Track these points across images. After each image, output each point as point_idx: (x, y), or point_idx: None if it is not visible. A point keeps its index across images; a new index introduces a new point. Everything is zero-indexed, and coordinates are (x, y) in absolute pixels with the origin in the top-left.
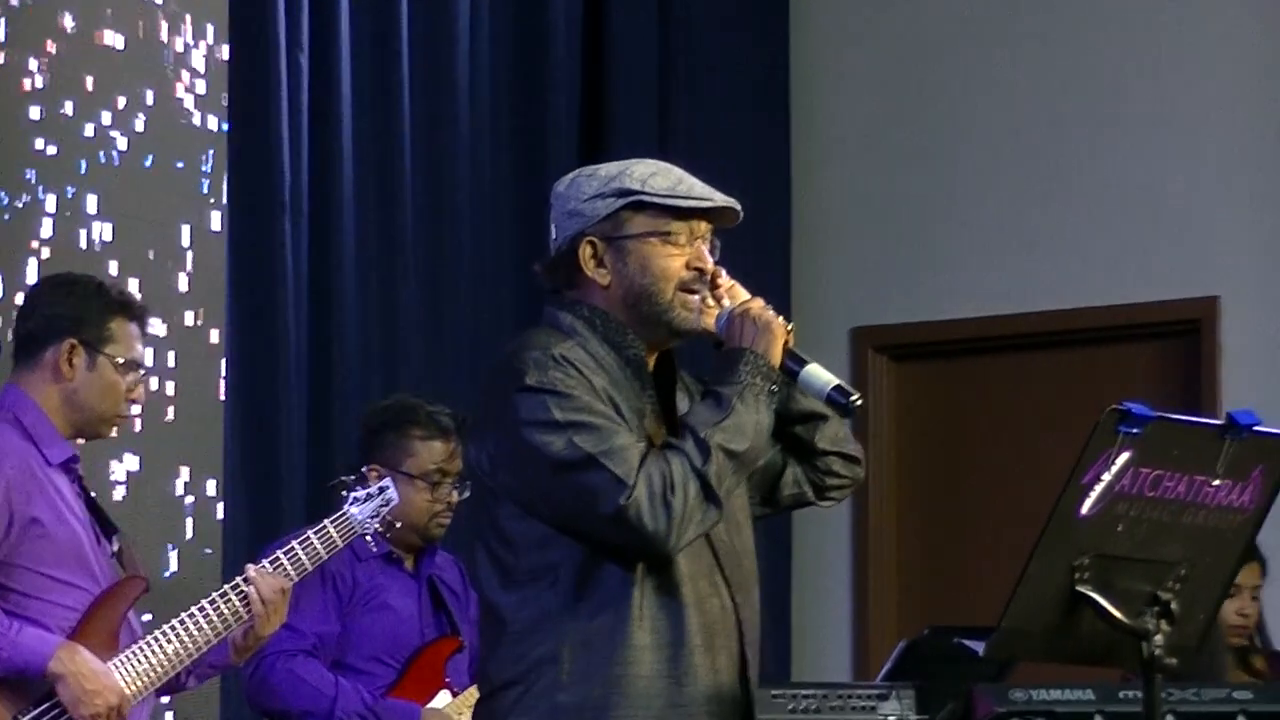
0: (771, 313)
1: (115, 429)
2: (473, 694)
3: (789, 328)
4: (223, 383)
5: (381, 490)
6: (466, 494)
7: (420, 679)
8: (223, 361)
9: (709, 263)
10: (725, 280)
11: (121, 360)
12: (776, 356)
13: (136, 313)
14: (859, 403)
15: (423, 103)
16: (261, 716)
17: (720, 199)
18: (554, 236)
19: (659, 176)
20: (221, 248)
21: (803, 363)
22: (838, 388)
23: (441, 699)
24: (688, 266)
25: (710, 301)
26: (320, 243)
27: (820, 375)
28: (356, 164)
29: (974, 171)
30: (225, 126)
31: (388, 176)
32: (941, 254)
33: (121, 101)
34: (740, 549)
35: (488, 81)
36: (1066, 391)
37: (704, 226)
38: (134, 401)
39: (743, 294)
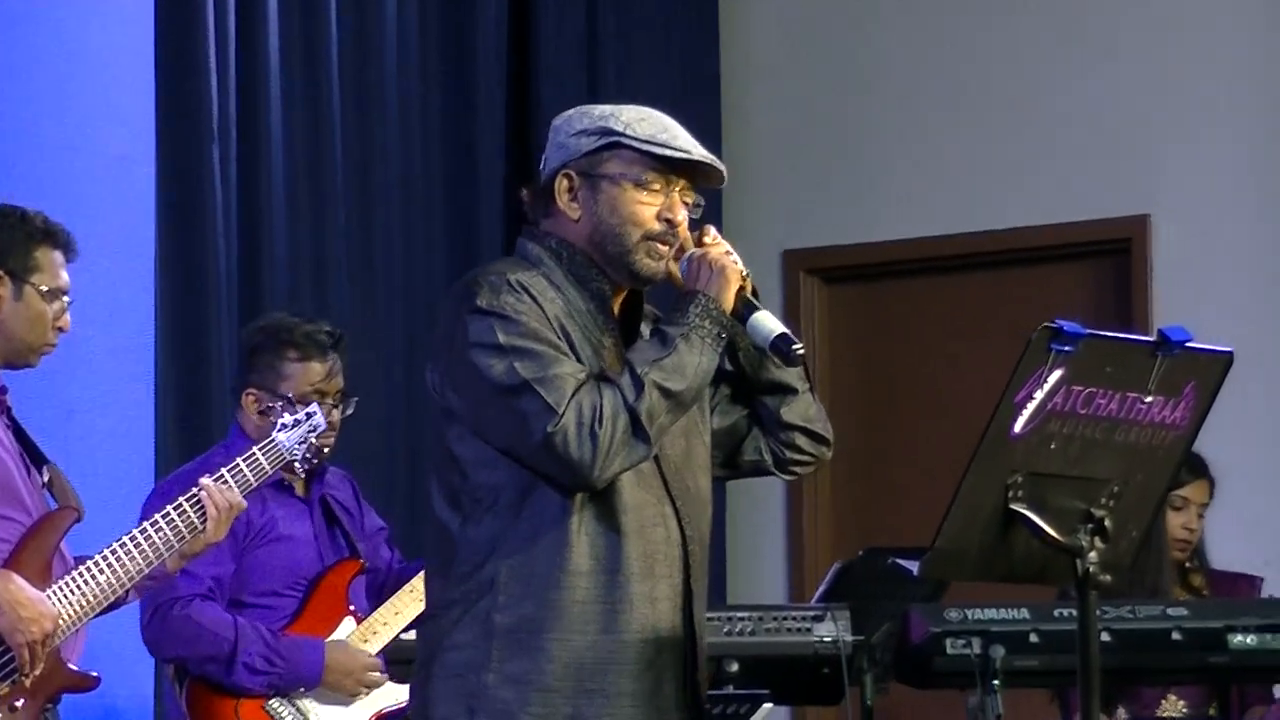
0: (730, 259)
1: (42, 357)
2: (376, 620)
3: (746, 274)
4: (152, 312)
5: (309, 416)
6: (350, 410)
7: (323, 608)
8: (153, 293)
9: (680, 215)
10: (713, 237)
11: (47, 289)
12: (729, 302)
13: (61, 241)
14: (801, 351)
15: (350, 28)
16: (164, 664)
17: (700, 154)
18: (542, 167)
19: (645, 123)
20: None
21: (754, 309)
22: (781, 335)
23: (346, 626)
24: (658, 216)
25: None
26: (249, 170)
27: (766, 323)
28: (284, 92)
29: (904, 94)
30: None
31: (315, 103)
32: (872, 177)
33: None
34: (696, 492)
35: (415, 7)
36: (998, 312)
37: (682, 181)
38: (61, 330)
39: (724, 247)
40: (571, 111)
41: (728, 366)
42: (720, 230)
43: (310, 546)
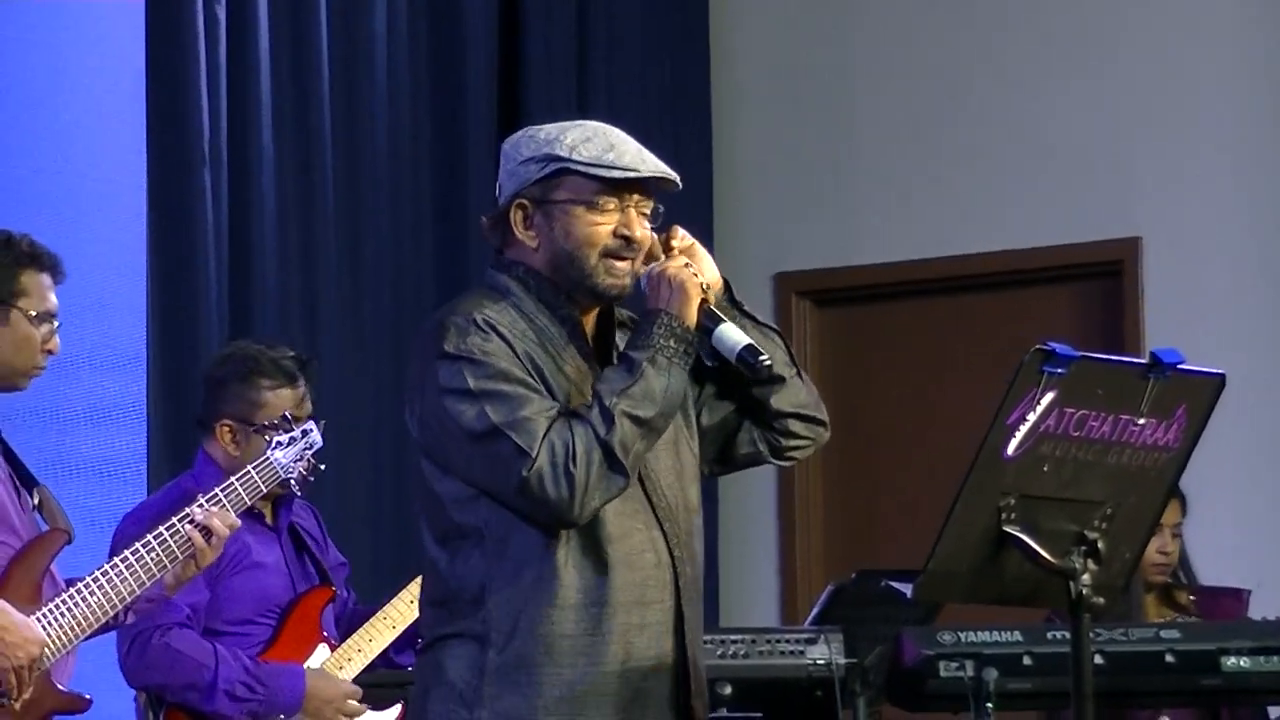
0: (688, 272)
1: (32, 380)
2: (351, 647)
3: (706, 287)
4: (143, 334)
5: (305, 434)
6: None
7: (297, 635)
8: (143, 316)
9: (637, 230)
10: (681, 239)
11: (34, 313)
12: (691, 317)
13: (48, 264)
14: (768, 363)
15: (340, 53)
16: (141, 693)
17: (649, 169)
18: (498, 194)
19: (590, 143)
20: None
21: (718, 322)
22: (747, 348)
23: (320, 654)
24: (614, 234)
25: (640, 261)
26: (239, 194)
27: (731, 335)
28: (275, 115)
29: (895, 117)
30: (143, 79)
31: (306, 128)
32: (863, 200)
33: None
34: (684, 503)
35: (405, 30)
36: (991, 335)
37: (636, 196)
38: (49, 353)
39: (699, 252)
40: (518, 135)
41: (710, 363)
42: (712, 254)
43: (282, 574)
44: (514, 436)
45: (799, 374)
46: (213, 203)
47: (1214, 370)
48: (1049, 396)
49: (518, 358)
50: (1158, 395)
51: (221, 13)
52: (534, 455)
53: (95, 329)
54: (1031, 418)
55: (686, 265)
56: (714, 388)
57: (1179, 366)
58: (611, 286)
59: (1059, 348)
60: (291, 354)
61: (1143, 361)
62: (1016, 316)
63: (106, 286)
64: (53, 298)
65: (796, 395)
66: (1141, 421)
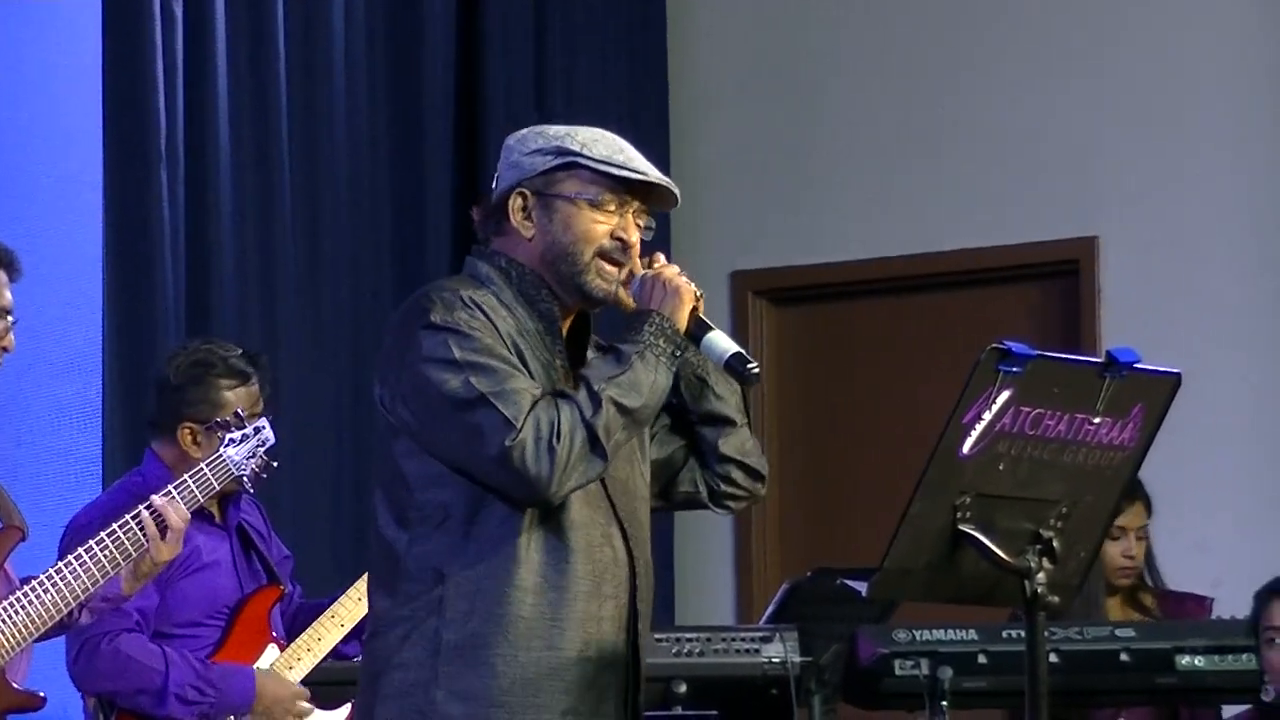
0: (683, 279)
1: None
2: (300, 646)
3: (699, 295)
4: (100, 332)
5: (257, 431)
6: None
7: (245, 636)
8: (100, 314)
9: (633, 236)
10: (662, 263)
11: None
12: (682, 321)
13: (4, 261)
14: (756, 371)
15: (298, 51)
16: (91, 699)
17: (655, 176)
18: (495, 185)
19: (600, 144)
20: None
21: (708, 329)
22: (736, 354)
23: (270, 654)
24: (611, 235)
25: (625, 273)
26: (196, 192)
27: (720, 342)
28: (232, 112)
29: (852, 115)
30: (100, 76)
31: (264, 125)
32: (821, 197)
33: None
34: (638, 508)
35: (363, 29)
36: (946, 334)
37: (636, 203)
38: (5, 349)
39: (675, 269)
40: (525, 131)
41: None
42: (669, 251)
43: (230, 574)
44: (500, 407)
45: (749, 423)
46: (169, 200)
47: (1170, 369)
48: (1005, 395)
49: (501, 338)
50: (1114, 394)
51: (179, 9)
52: (519, 427)
53: (52, 327)
54: (987, 416)
55: (680, 273)
56: (668, 421)
57: (1135, 365)
58: (599, 288)
59: (1015, 346)
60: (240, 351)
61: (1099, 360)
62: (974, 315)
63: (63, 284)
64: (8, 294)
65: (743, 443)
66: (1097, 420)
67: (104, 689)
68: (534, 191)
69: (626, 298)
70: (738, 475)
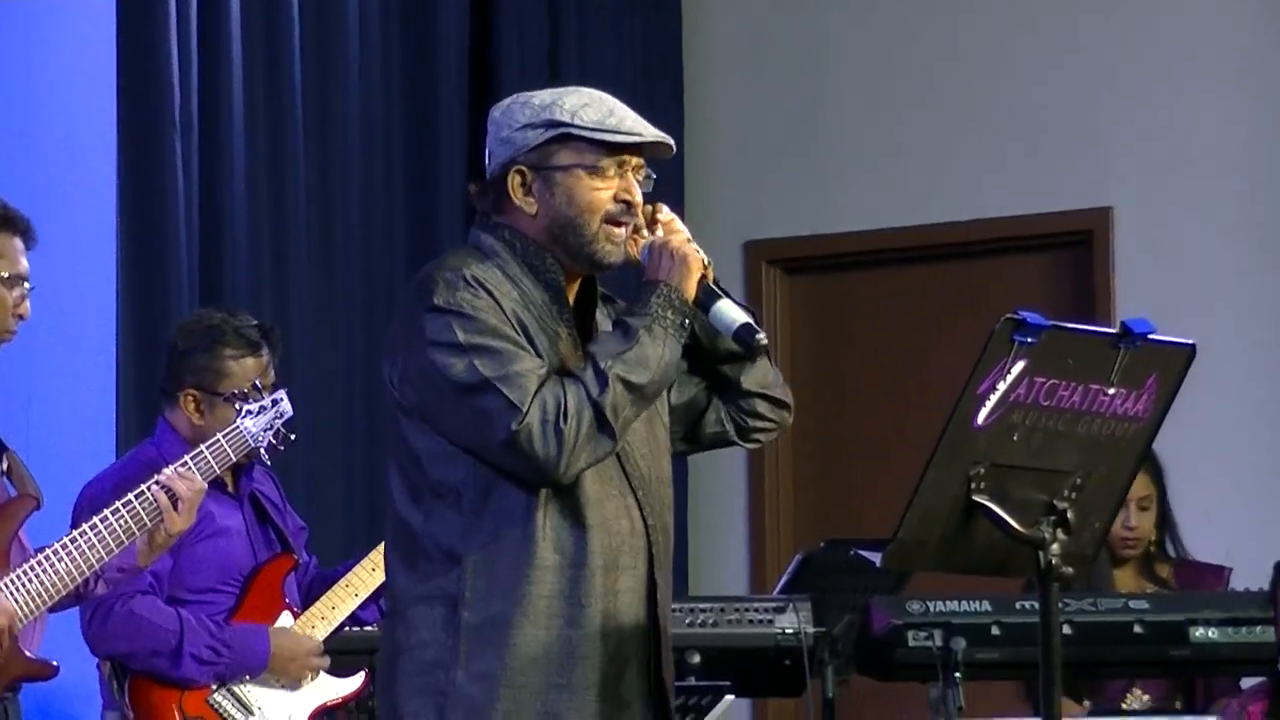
0: (692, 247)
1: (2, 345)
2: (314, 614)
3: (708, 263)
4: (114, 304)
5: (275, 403)
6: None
7: (260, 602)
8: (114, 283)
9: (637, 195)
10: (666, 214)
11: (6, 275)
12: (691, 290)
13: (20, 227)
14: (764, 341)
15: (311, 19)
16: (105, 661)
17: (650, 133)
18: (487, 161)
19: (590, 109)
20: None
21: (716, 298)
22: (744, 325)
23: (284, 621)
24: (615, 199)
25: (640, 234)
26: (210, 161)
27: (729, 312)
28: (245, 82)
29: (865, 85)
30: (114, 44)
31: (277, 95)
32: (834, 167)
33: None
34: (657, 475)
35: (377, 1)
36: (960, 304)
37: (635, 160)
38: (20, 317)
39: (679, 228)
40: (508, 102)
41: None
42: (683, 221)
43: (244, 542)
44: (505, 390)
45: (768, 355)
46: (183, 169)
47: (1184, 340)
48: (1019, 365)
49: (505, 316)
50: (1128, 365)
51: None
52: (525, 410)
53: (66, 295)
54: (1002, 387)
55: (689, 240)
56: (684, 364)
57: (1149, 336)
58: (610, 253)
59: (1030, 316)
60: (255, 323)
61: (1113, 331)
62: (988, 285)
63: (77, 252)
64: (24, 261)
65: (764, 375)
66: (1111, 391)
67: (119, 651)
68: (531, 167)
69: (635, 252)
70: (763, 408)
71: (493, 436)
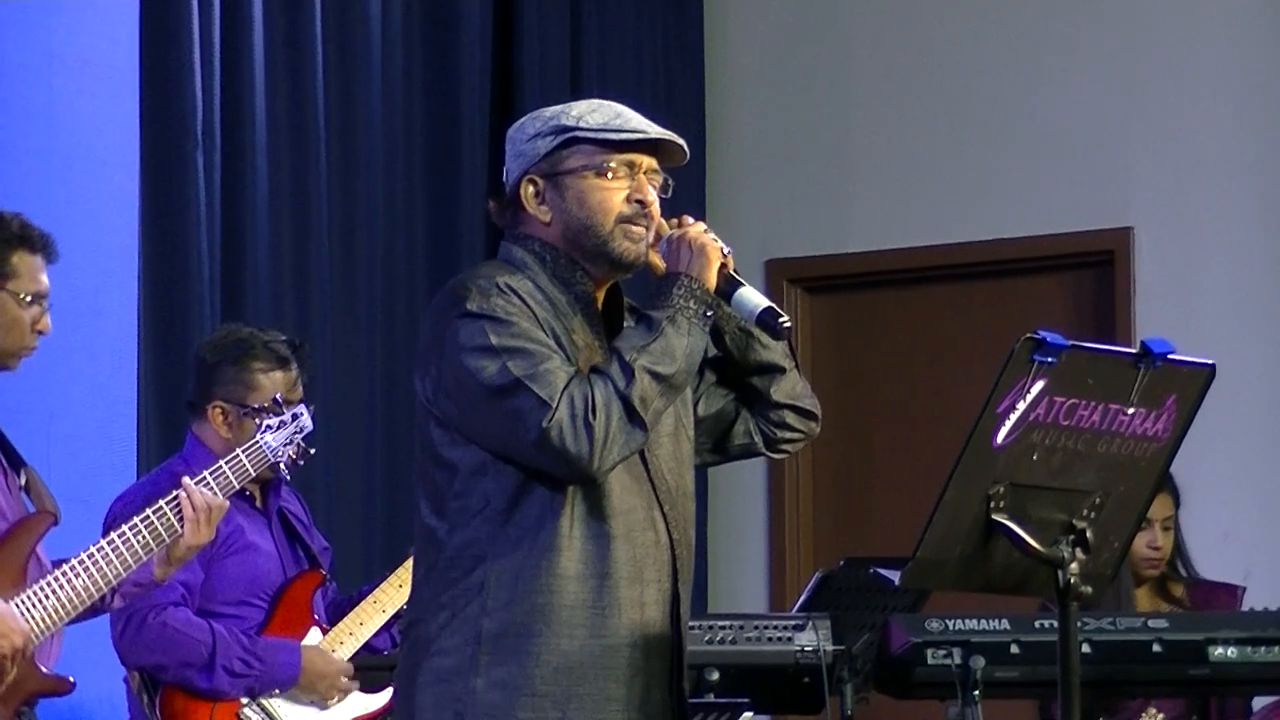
0: (709, 237)
1: (22, 360)
2: (343, 630)
3: (726, 252)
4: (136, 318)
5: (295, 418)
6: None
7: (289, 618)
8: (135, 297)
9: (649, 195)
10: (688, 222)
11: (24, 294)
12: (711, 280)
13: (40, 244)
14: (788, 325)
15: (335, 35)
16: (136, 672)
17: (656, 131)
18: (505, 178)
19: (596, 113)
20: (133, 182)
21: (738, 285)
22: (768, 309)
23: (313, 637)
24: (628, 200)
25: (653, 234)
26: (231, 176)
27: (751, 298)
28: (268, 97)
29: (886, 105)
30: (137, 59)
31: (299, 110)
32: (856, 186)
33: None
34: (682, 489)
35: (399, 12)
36: (981, 324)
37: (646, 161)
38: (41, 333)
39: (695, 222)
40: (524, 119)
41: (713, 351)
42: None
43: (273, 558)
44: (534, 388)
45: (796, 366)
46: (205, 185)
47: (1204, 360)
48: (1039, 385)
49: (538, 321)
50: (1148, 385)
51: None
52: (554, 407)
53: (87, 311)
54: (1021, 406)
55: (706, 231)
56: (714, 375)
57: (1169, 356)
58: (629, 251)
59: (1049, 336)
60: (284, 338)
61: (1133, 351)
62: (1008, 305)
63: (98, 268)
64: (44, 278)
65: (794, 386)
66: (1131, 411)
67: (151, 662)
68: (542, 175)
69: (657, 259)
70: (792, 419)
71: (525, 436)
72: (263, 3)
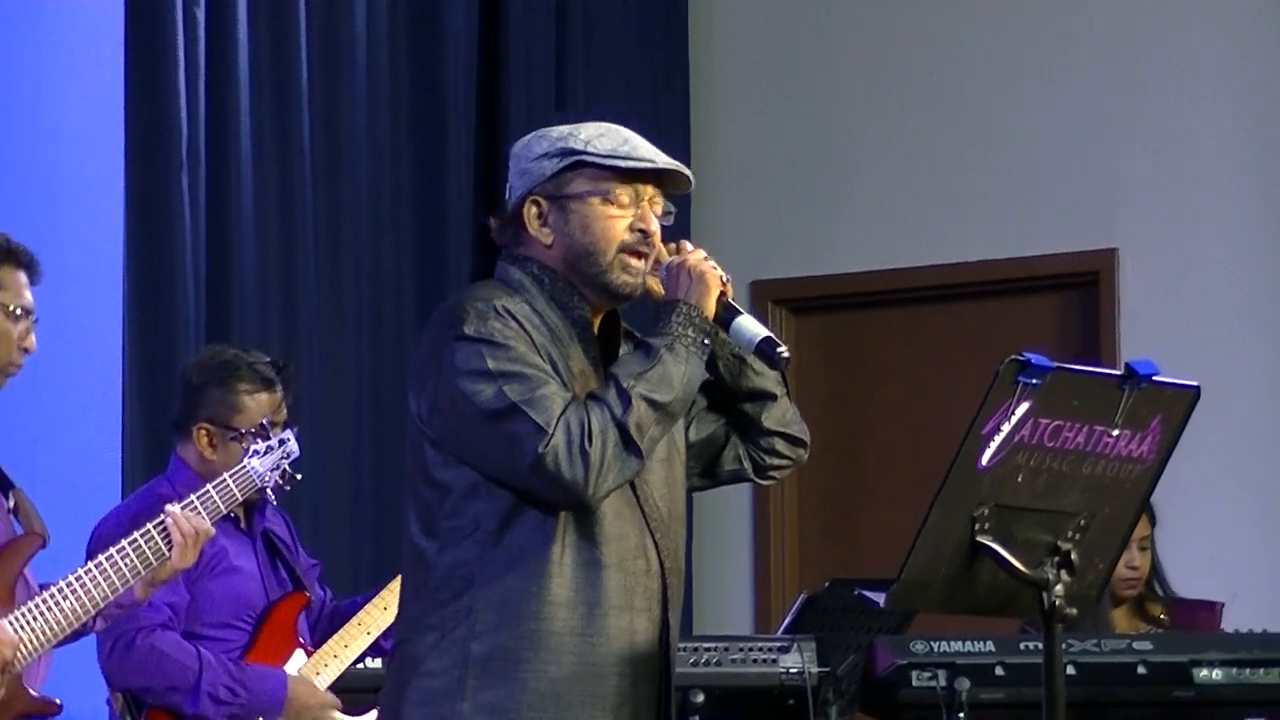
0: (709, 264)
1: (8, 379)
2: (327, 652)
3: (726, 280)
4: (121, 339)
5: (282, 443)
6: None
7: (273, 640)
8: (120, 318)
9: (653, 225)
10: (687, 249)
11: (11, 307)
12: (710, 308)
13: (24, 261)
14: (787, 355)
15: (320, 54)
16: (120, 694)
17: (664, 161)
18: (508, 196)
19: (605, 138)
20: (118, 203)
21: (736, 314)
22: (766, 339)
23: (296, 659)
24: (631, 229)
25: (652, 261)
26: (217, 197)
27: (750, 327)
28: (254, 117)
29: (872, 126)
30: (122, 81)
31: (285, 131)
32: (841, 208)
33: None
34: (674, 515)
35: (385, 30)
36: (966, 345)
37: (650, 191)
38: (26, 350)
39: (694, 248)
40: (529, 136)
41: (705, 376)
42: None
43: (256, 580)
44: (530, 413)
45: (787, 393)
46: (190, 206)
47: (1189, 382)
48: (1024, 407)
49: (535, 346)
50: (1132, 406)
51: (201, 14)
52: (550, 432)
53: (72, 329)
54: (1006, 428)
55: (706, 258)
56: (706, 401)
57: (1154, 378)
58: (625, 284)
59: (1034, 358)
60: (269, 360)
61: (1118, 373)
62: (992, 327)
63: (83, 287)
64: (28, 295)
65: (784, 413)
66: (1116, 432)
67: (137, 685)
68: (547, 197)
69: (656, 285)
70: (781, 446)
71: (520, 461)
72: (248, 23)
